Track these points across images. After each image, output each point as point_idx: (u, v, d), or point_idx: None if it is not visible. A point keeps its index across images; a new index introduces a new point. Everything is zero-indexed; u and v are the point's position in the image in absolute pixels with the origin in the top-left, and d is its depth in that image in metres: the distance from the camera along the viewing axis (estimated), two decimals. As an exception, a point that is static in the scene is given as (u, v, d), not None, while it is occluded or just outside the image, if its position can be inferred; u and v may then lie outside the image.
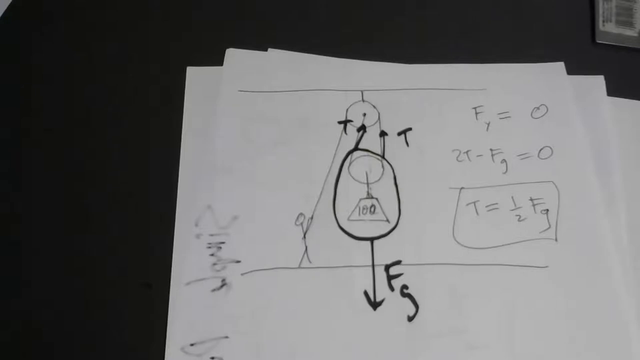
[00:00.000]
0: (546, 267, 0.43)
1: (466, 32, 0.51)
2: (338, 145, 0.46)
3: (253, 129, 0.46)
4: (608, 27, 0.52)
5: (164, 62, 0.49)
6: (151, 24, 0.50)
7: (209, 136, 0.46)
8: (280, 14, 0.51)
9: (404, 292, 0.43)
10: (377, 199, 0.45)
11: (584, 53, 0.51)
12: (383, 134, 0.47)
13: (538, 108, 0.48)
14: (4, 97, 0.48)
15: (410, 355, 0.41)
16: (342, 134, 0.47)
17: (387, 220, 0.44)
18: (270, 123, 0.47)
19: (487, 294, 0.42)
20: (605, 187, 0.45)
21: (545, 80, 0.49)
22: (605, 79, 0.49)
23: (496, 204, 0.45)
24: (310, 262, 0.43)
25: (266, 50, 0.49)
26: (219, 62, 0.48)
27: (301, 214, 0.44)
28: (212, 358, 0.40)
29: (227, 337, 0.41)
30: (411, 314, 0.42)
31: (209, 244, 0.43)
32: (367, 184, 0.45)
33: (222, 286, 0.42)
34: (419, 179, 0.46)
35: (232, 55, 0.49)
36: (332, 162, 0.46)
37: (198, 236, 0.43)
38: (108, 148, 0.46)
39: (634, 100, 0.49)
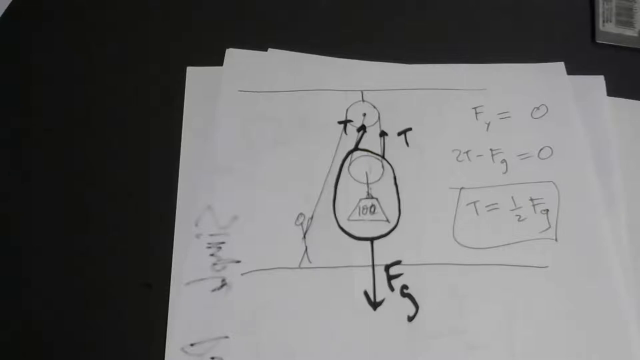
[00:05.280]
0: (546, 267, 0.43)
1: (466, 32, 0.51)
2: (338, 145, 0.46)
3: (253, 129, 0.46)
4: (608, 27, 0.52)
5: (164, 62, 0.49)
6: (151, 24, 0.50)
7: (209, 136, 0.46)
8: (280, 14, 0.51)
9: (404, 292, 0.43)
10: (377, 199, 0.45)
11: (584, 53, 0.51)
12: (383, 134, 0.47)
13: (538, 108, 0.48)
14: (4, 97, 0.48)
15: (410, 355, 0.41)
16: (342, 134, 0.47)
17: (387, 220, 0.44)
18: (270, 123, 0.47)
19: (487, 294, 0.42)
20: (605, 187, 0.45)
21: (545, 80, 0.49)
22: (605, 79, 0.49)
23: (496, 204, 0.45)
24: (310, 262, 0.43)
25: (266, 50, 0.49)
26: (219, 62, 0.48)
27: (301, 214, 0.44)
28: (212, 358, 0.40)
29: (227, 337, 0.41)
30: (411, 314, 0.42)
31: (209, 244, 0.43)
32: (367, 184, 0.45)
33: (222, 286, 0.42)
34: (419, 179, 0.46)
35: (232, 55, 0.49)
36: (332, 162, 0.46)
37: (198, 236, 0.43)
38: (108, 148, 0.46)
39: (634, 100, 0.49)
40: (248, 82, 0.48)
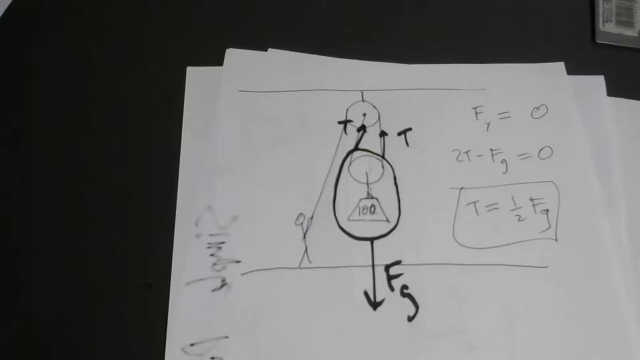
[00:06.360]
0: (546, 267, 0.43)
1: (466, 32, 0.51)
2: (338, 145, 0.46)
3: (253, 129, 0.46)
4: (608, 27, 0.52)
5: (164, 62, 0.49)
6: (151, 24, 0.50)
7: (209, 136, 0.46)
8: (280, 14, 0.51)
9: (404, 292, 0.43)
10: (377, 199, 0.45)
11: (584, 53, 0.51)
12: (383, 134, 0.47)
13: (538, 108, 0.48)
14: (4, 97, 0.48)
15: (410, 355, 0.41)
16: (342, 134, 0.47)
17: (387, 220, 0.44)
18: (270, 123, 0.47)
19: (487, 294, 0.42)
20: (605, 187, 0.45)
21: (545, 80, 0.49)
22: (605, 79, 0.49)
23: (496, 204, 0.45)
24: (310, 262, 0.43)
25: (266, 50, 0.49)
26: (219, 62, 0.48)
27: (301, 214, 0.44)
28: (212, 358, 0.40)
29: (227, 337, 0.41)
30: (411, 314, 0.42)
31: (209, 244, 0.43)
32: (367, 184, 0.45)
33: (222, 286, 0.42)
34: (419, 179, 0.46)
35: (232, 55, 0.49)
36: (332, 162, 0.46)
37: (198, 236, 0.43)
38: (108, 148, 0.46)
39: (634, 100, 0.49)
40: (248, 82, 0.48)
